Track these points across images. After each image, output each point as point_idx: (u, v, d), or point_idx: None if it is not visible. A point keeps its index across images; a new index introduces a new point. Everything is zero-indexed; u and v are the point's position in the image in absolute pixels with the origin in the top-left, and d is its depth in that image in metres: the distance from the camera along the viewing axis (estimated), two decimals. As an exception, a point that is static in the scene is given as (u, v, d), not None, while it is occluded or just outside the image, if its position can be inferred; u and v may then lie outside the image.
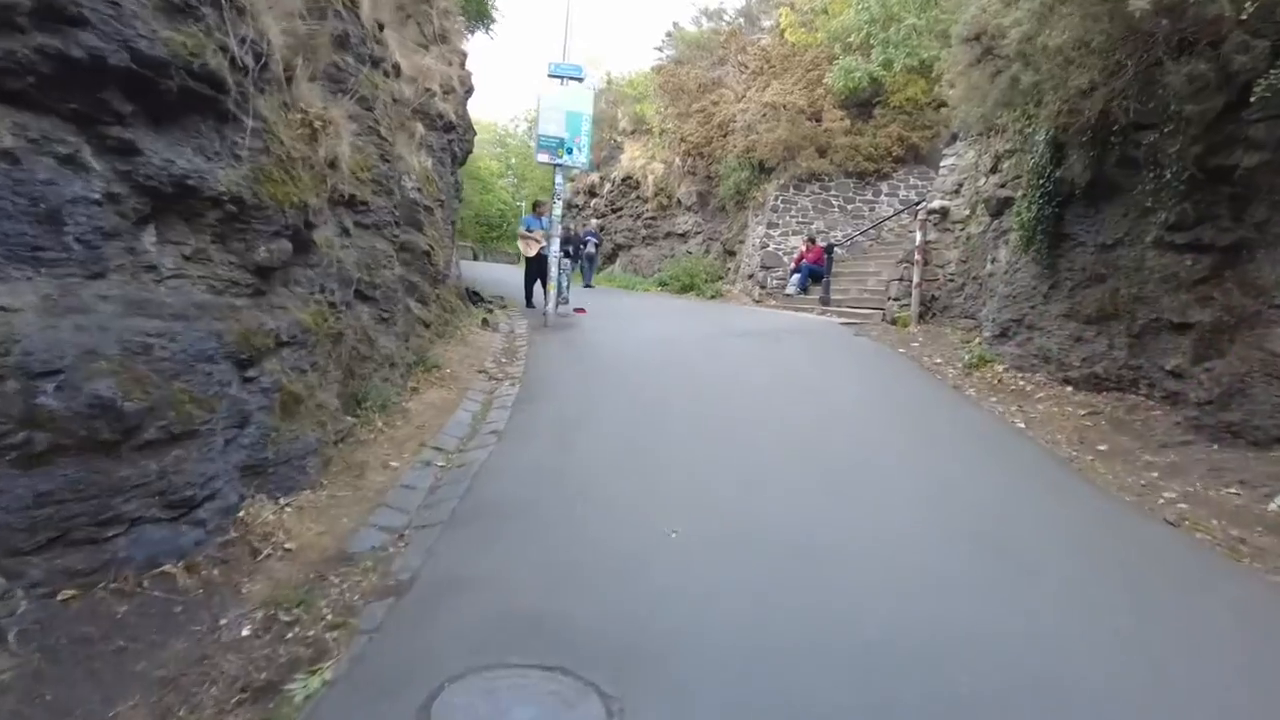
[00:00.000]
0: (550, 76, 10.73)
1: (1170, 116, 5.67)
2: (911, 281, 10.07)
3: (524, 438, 5.25)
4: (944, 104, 15.56)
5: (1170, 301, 5.93)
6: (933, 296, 9.96)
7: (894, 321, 10.22)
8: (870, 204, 15.24)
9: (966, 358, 8.08)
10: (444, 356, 7.77)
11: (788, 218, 15.16)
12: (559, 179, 10.56)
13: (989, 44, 6.11)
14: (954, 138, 9.95)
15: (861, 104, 15.30)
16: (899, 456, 5.09)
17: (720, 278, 17.40)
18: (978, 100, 6.61)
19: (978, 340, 8.59)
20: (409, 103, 9.26)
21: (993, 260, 8.65)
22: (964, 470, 4.90)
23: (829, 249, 12.84)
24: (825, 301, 12.55)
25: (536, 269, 11.61)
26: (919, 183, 15.12)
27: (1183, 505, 4.51)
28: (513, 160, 45.26)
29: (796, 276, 14.21)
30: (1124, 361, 6.31)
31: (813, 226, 15.07)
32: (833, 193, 15.17)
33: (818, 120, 14.85)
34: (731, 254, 17.45)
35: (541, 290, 11.33)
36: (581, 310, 12.22)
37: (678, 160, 19.61)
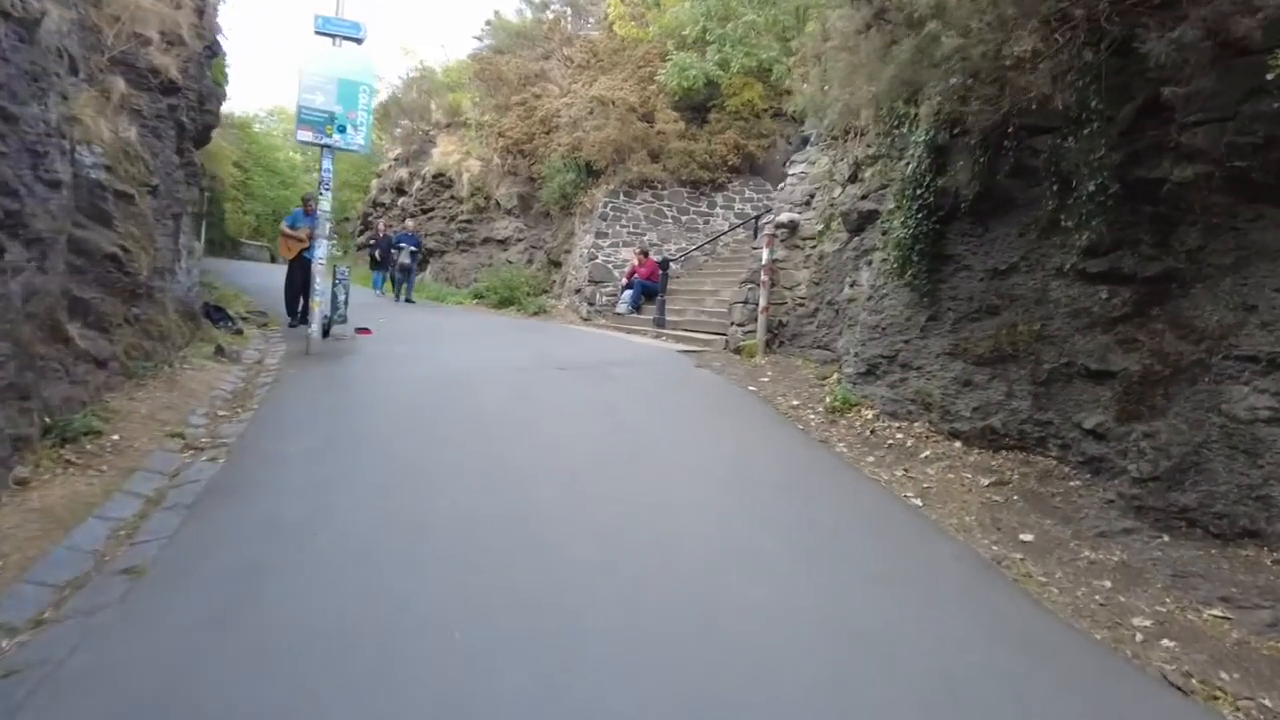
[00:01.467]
0: (318, 34, 8.18)
1: (1087, 113, 4.52)
2: (757, 305, 8.69)
3: (172, 596, 2.90)
4: (781, 112, 14.80)
5: (1084, 343, 4.79)
6: (781, 322, 8.64)
7: (738, 350, 8.79)
8: (705, 216, 14.02)
9: (828, 400, 6.72)
10: (121, 410, 5.11)
11: (618, 227, 13.51)
12: (328, 164, 8.03)
13: (883, 4, 4.67)
14: (804, 142, 8.76)
15: (696, 108, 14.07)
16: (781, 582, 3.36)
17: (545, 291, 15.41)
18: (863, 81, 5.18)
19: (837, 377, 7.30)
20: (106, 49, 6.58)
21: (852, 283, 7.42)
22: (874, 605, 3.27)
23: (664, 264, 11.31)
24: (660, 323, 10.97)
25: (301, 277, 8.88)
26: (755, 195, 14.15)
27: (1168, 643, 3.18)
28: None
29: (628, 293, 12.57)
30: (1028, 415, 5.13)
31: (645, 238, 13.55)
32: (666, 202, 13.76)
33: (650, 121, 13.37)
34: (557, 265, 15.53)
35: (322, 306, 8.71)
36: (366, 331, 9.69)
37: (496, 158, 17.39)
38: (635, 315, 12.33)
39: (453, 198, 19.14)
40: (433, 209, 20.12)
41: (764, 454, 5.44)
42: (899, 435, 5.86)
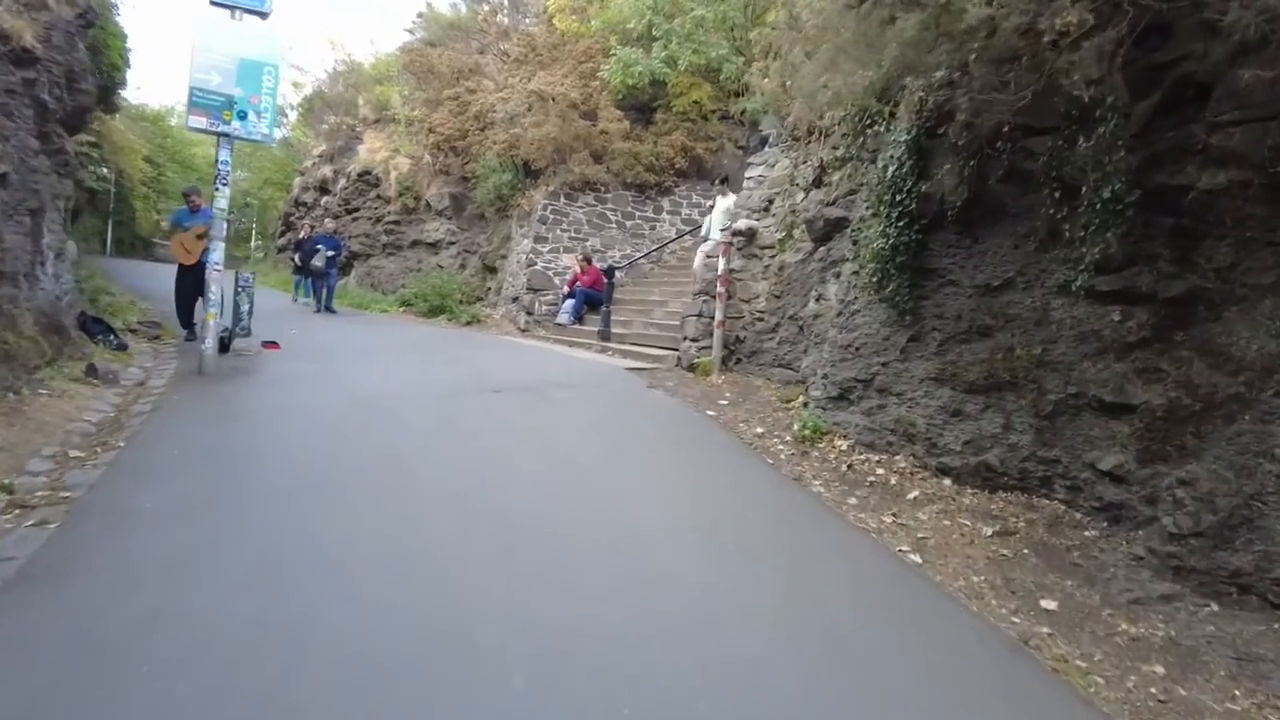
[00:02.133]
0: (214, 4, 7.04)
1: (1101, 110, 3.96)
2: (712, 319, 7.97)
3: None
4: (728, 115, 14.21)
5: (1095, 371, 4.22)
6: (738, 338, 7.95)
7: (692, 368, 8.05)
8: (651, 221, 13.29)
9: (796, 427, 6.03)
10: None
11: (559, 231, 12.63)
12: (225, 155, 6.89)
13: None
14: (762, 143, 8.10)
15: (641, 108, 13.34)
16: (789, 707, 2.59)
17: (479, 299, 14.38)
18: (851, 66, 4.49)
19: (803, 400, 6.64)
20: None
21: (818, 297, 6.78)
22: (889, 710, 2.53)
23: (609, 272, 10.49)
24: (605, 336, 10.15)
25: (193, 284, 7.66)
26: (703, 200, 13.49)
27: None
28: (257, 151, 37.64)
29: (570, 303, 11.70)
30: (1029, 451, 4.54)
31: (588, 244, 12.71)
32: (610, 205, 12.96)
33: (592, 119, 12.56)
34: (492, 270, 14.52)
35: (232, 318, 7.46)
36: (273, 345, 8.54)
37: (427, 155, 16.26)
38: (577, 326, 11.47)
39: (379, 197, 17.87)
40: (358, 209, 18.76)
41: (735, 501, 4.68)
42: (880, 471, 5.21)
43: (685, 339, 8.30)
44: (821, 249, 6.75)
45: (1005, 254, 4.88)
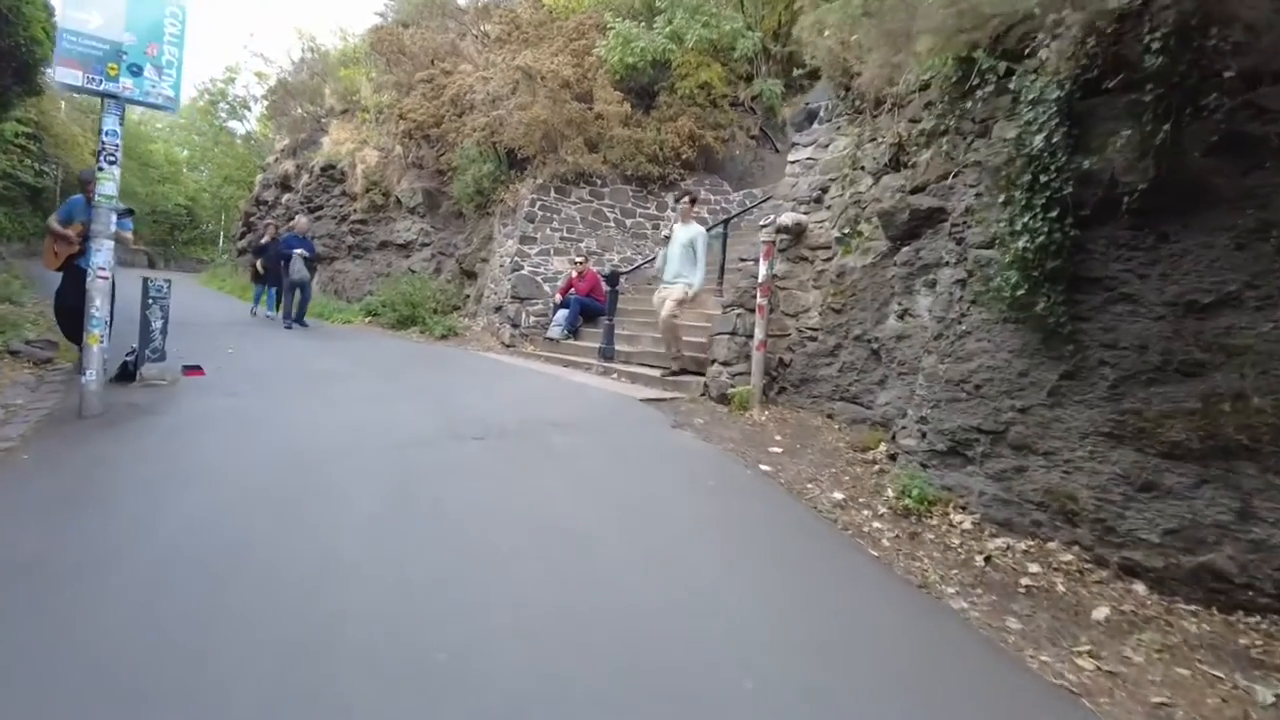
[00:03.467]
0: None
1: None
2: (749, 338, 6.39)
3: None
4: (739, 102, 12.66)
5: None
6: (781, 361, 6.37)
7: (724, 399, 6.45)
8: (655, 219, 11.68)
9: (891, 492, 4.45)
10: None
11: (549, 230, 10.97)
12: (111, 124, 5.13)
13: None
14: (810, 117, 6.51)
15: (640, 91, 11.73)
16: None
17: (456, 307, 12.66)
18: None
19: (886, 449, 5.06)
20: None
21: (902, 313, 5.22)
22: None
23: (613, 278, 8.84)
24: (607, 355, 8.51)
25: (74, 292, 5.85)
26: (712, 196, 11.93)
27: None
28: (217, 148, 35.36)
29: (563, 314, 10.05)
30: (1303, 559, 3.00)
31: (583, 244, 11.07)
32: (607, 201, 11.34)
33: (587, 101, 10.92)
34: (472, 276, 12.82)
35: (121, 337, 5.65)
36: (196, 371, 6.83)
37: (398, 146, 14.53)
38: (572, 341, 9.82)
39: (344, 194, 16.08)
40: (321, 207, 16.94)
41: (843, 634, 3.05)
42: (1034, 568, 3.63)
43: (714, 362, 6.69)
44: (906, 249, 5.18)
45: (1219, 257, 3.35)
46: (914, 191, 5.13)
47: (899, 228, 5.23)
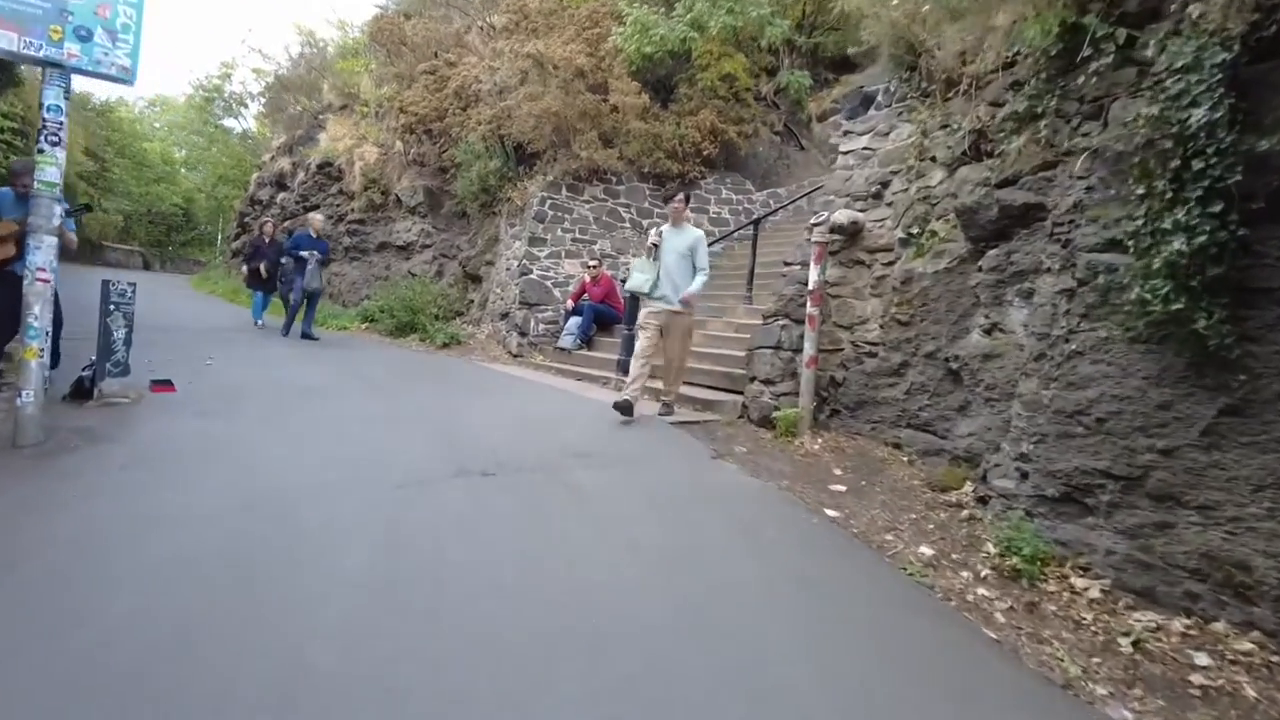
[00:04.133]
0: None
1: None
2: (796, 353, 5.63)
3: None
4: (762, 95, 11.91)
5: None
6: (833, 379, 5.59)
7: (767, 423, 5.68)
8: (672, 220, 10.90)
9: (991, 548, 3.67)
10: None
11: (559, 232, 10.21)
12: (53, 96, 4.34)
13: None
14: (866, 102, 5.73)
15: (657, 84, 10.97)
16: None
17: (459, 313, 11.90)
18: None
19: (974, 490, 4.28)
20: None
21: (989, 328, 4.45)
22: None
23: (631, 283, 8.05)
24: (626, 369, 7.73)
25: (6, 302, 5.00)
26: (734, 195, 11.18)
27: None
28: (213, 148, 34.54)
29: (576, 321, 9.29)
30: None
31: (596, 246, 10.31)
32: (622, 200, 10.57)
33: (602, 93, 10.15)
34: (476, 280, 12.05)
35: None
36: (165, 387, 6.10)
37: (399, 143, 13.77)
38: (586, 352, 9.05)
39: (341, 192, 15.33)
40: (317, 206, 16.16)
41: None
42: (1203, 658, 2.84)
43: (755, 380, 5.92)
44: (994, 253, 4.40)
45: None
46: (1002, 185, 4.36)
47: (984, 227, 4.46)
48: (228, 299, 18.28)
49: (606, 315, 9.24)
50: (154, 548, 3.01)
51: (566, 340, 9.22)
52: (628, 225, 10.56)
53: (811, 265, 5.42)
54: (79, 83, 5.37)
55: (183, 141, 36.91)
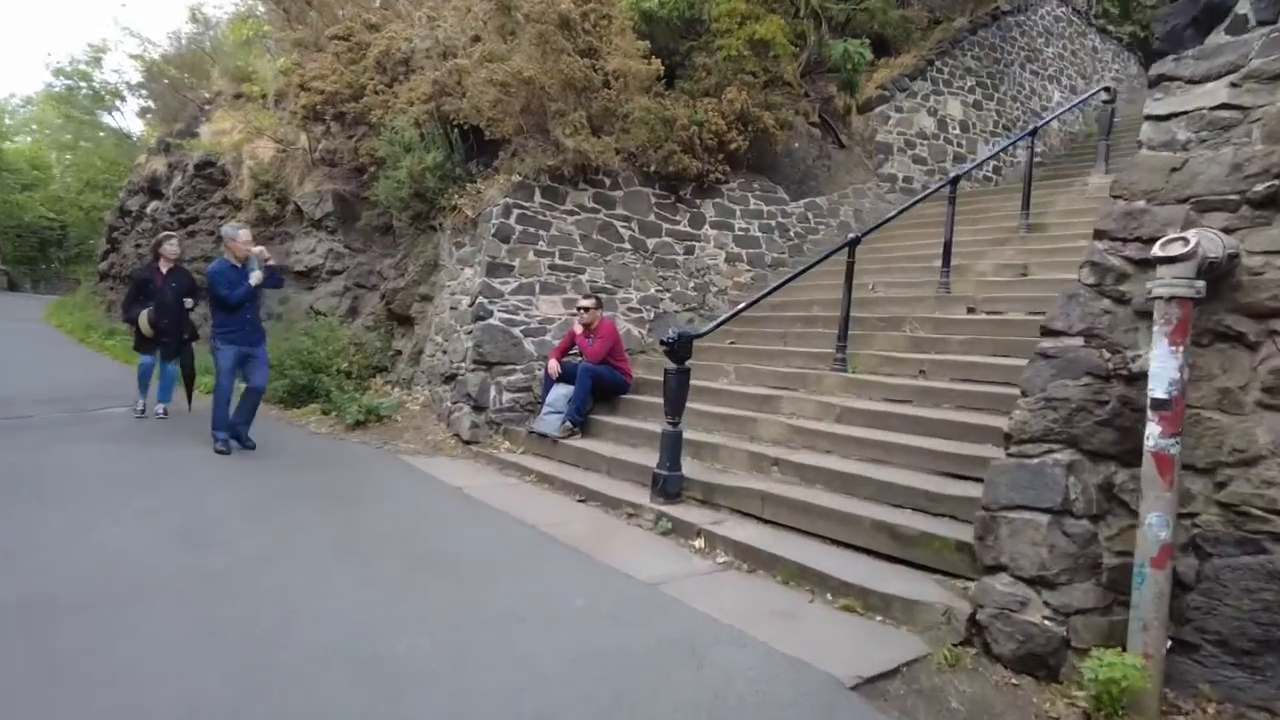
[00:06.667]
0: None
1: None
2: (1110, 525, 2.59)
3: None
4: (810, 70, 8.94)
5: None
6: (1179, 582, 2.57)
7: (1038, 665, 2.61)
8: (687, 241, 7.87)
9: None
10: None
11: (532, 255, 6.98)
12: None
13: None
14: (1210, 15, 2.84)
15: (663, 55, 7.94)
16: None
17: (380, 369, 8.47)
18: None
19: None
20: None
21: None
22: None
23: (679, 344, 4.79)
24: (670, 489, 4.55)
25: None
26: (763, 205, 8.26)
27: None
28: (80, 146, 29.42)
29: (561, 392, 6.10)
30: None
31: (585, 277, 7.15)
32: (620, 210, 7.45)
33: (591, 57, 7.03)
34: (405, 321, 8.65)
35: None
36: None
37: (302, 136, 10.31)
38: (580, 442, 5.86)
39: (225, 201, 11.68)
40: (195, 219, 12.43)
41: None
42: None
43: (1000, 570, 2.86)
44: None
45: None
46: None
47: None
48: (78, 337, 14.21)
49: (609, 382, 6.10)
50: None
51: (549, 421, 6.01)
52: (627, 246, 7.45)
53: (1165, 346, 2.46)
54: None
55: (56, 143, 31.74)
